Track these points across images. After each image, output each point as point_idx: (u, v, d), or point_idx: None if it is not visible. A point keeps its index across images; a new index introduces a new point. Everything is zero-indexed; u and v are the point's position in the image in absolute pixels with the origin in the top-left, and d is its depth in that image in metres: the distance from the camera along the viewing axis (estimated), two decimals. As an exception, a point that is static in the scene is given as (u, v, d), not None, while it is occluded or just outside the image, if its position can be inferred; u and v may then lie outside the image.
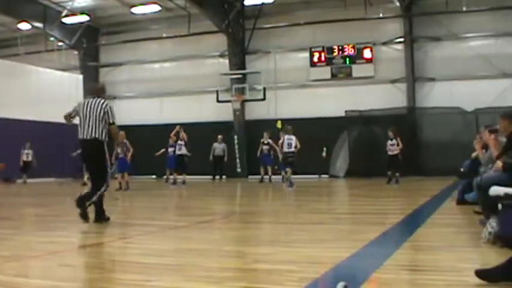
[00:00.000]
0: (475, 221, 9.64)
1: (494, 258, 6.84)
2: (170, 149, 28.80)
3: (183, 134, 28.37)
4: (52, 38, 39.99)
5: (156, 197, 21.84)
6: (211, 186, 28.01)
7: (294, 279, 5.83)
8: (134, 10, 36.83)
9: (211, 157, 32.49)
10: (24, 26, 38.74)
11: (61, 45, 40.47)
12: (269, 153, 30.64)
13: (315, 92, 36.39)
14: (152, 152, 30.45)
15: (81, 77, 40.92)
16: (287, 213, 14.19)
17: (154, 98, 40.45)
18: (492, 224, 7.64)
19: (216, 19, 36.39)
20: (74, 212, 11.21)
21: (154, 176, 36.98)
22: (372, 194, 20.88)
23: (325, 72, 36.03)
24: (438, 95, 33.57)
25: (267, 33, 37.20)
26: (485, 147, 11.81)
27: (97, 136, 11.38)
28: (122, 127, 36.38)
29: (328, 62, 35.96)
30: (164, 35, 39.49)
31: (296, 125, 33.77)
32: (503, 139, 9.61)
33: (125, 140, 24.07)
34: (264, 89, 33.59)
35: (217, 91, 34.95)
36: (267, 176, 30.53)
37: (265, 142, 30.87)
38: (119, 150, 24.04)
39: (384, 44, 35.35)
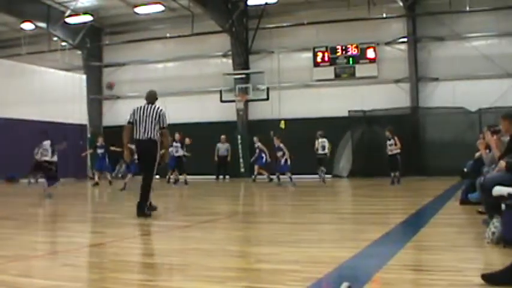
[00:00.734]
0: (478, 221, 9.63)
1: (497, 258, 6.86)
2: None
3: (178, 136, 28.51)
4: (55, 38, 40.01)
5: (159, 197, 21.85)
6: (215, 186, 27.99)
7: (297, 279, 5.83)
8: (138, 10, 36.82)
9: (216, 158, 32.47)
10: (27, 26, 38.76)
11: (64, 45, 40.47)
12: (260, 155, 30.59)
13: (318, 92, 36.36)
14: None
15: (84, 77, 40.96)
16: (290, 213, 14.19)
17: (158, 98, 40.35)
18: (495, 224, 7.64)
19: (219, 19, 36.38)
20: (76, 212, 11.19)
21: (157, 176, 36.90)
22: (375, 194, 20.87)
23: (329, 72, 35.98)
24: (441, 95, 33.53)
25: (270, 33, 37.16)
26: (488, 147, 11.79)
27: (152, 137, 13.01)
28: (125, 127, 36.48)
29: (332, 62, 35.92)
30: (168, 35, 39.48)
31: (299, 125, 33.99)
32: (506, 139, 9.60)
33: None
34: (268, 89, 33.59)
35: (220, 91, 34.96)
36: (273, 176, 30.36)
37: (256, 146, 30.95)
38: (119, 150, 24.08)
39: (388, 44, 35.30)
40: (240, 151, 36.19)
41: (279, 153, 27.87)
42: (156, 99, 14.16)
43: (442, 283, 5.58)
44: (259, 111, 36.89)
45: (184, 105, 38.82)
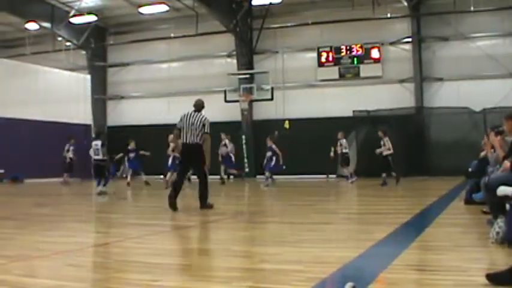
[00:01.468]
0: (483, 221, 9.61)
1: (501, 258, 6.85)
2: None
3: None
4: (60, 38, 40.06)
5: (164, 197, 21.87)
6: (219, 186, 27.97)
7: (301, 279, 5.82)
8: (142, 10, 36.86)
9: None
10: (32, 26, 38.82)
11: (69, 45, 40.52)
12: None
13: (322, 92, 36.38)
14: (159, 152, 30.32)
15: (88, 77, 41.01)
16: (294, 213, 14.17)
17: (162, 98, 40.45)
18: (500, 224, 7.63)
19: (224, 19, 36.42)
20: (79, 212, 11.20)
21: (162, 176, 36.91)
22: (379, 194, 20.84)
23: (333, 72, 35.99)
24: (446, 95, 33.52)
25: (274, 33, 37.17)
26: (493, 147, 11.79)
27: (197, 141, 14.46)
28: (129, 127, 36.69)
29: (336, 62, 35.94)
30: (172, 35, 39.49)
31: (304, 125, 34.00)
32: (510, 139, 9.59)
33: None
34: (272, 88, 33.60)
35: (225, 91, 34.98)
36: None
37: (223, 143, 31.09)
38: (175, 151, 24.55)
39: (392, 43, 35.31)
40: (245, 151, 36.18)
41: (269, 154, 28.09)
42: (203, 107, 15.38)
43: (446, 283, 5.57)
44: (264, 111, 36.91)
45: (189, 105, 37.95)
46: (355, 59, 35.49)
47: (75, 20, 38.25)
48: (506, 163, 8.74)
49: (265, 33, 36.95)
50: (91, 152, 21.73)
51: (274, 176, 29.16)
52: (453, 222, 10.83)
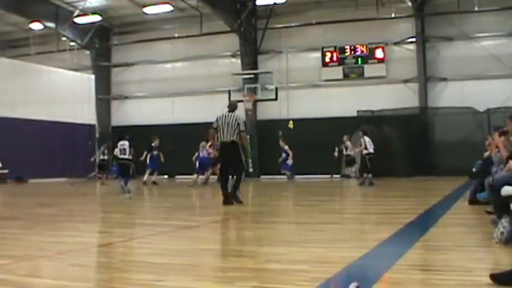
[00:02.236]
0: (487, 221, 9.59)
1: (506, 258, 6.84)
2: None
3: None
4: (64, 38, 40.12)
5: (168, 197, 21.89)
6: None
7: (305, 279, 5.82)
8: (146, 10, 36.90)
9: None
10: (36, 26, 38.89)
11: (73, 45, 40.58)
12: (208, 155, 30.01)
13: (326, 92, 36.38)
14: (162, 152, 30.24)
15: (93, 77, 41.05)
16: (299, 213, 14.19)
17: (166, 98, 40.48)
18: (504, 224, 7.62)
19: (228, 19, 36.44)
20: (83, 212, 11.21)
21: (166, 176, 36.99)
22: (383, 194, 20.84)
23: (337, 72, 36.01)
24: (450, 95, 33.50)
25: (279, 33, 37.19)
26: (497, 147, 11.78)
27: (234, 139, 15.68)
28: (133, 127, 36.69)
29: (340, 62, 35.96)
30: (176, 35, 39.52)
31: (308, 125, 34.00)
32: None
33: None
34: (276, 88, 33.58)
35: (229, 91, 34.94)
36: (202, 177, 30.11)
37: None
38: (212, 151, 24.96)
39: (396, 43, 35.30)
40: (249, 151, 36.15)
41: (284, 155, 28.60)
42: (236, 108, 16.83)
43: (450, 283, 5.57)
44: (268, 111, 36.92)
45: (193, 105, 38.88)
46: (359, 59, 35.50)
47: (80, 20, 38.31)
48: (511, 163, 8.74)
49: (270, 33, 36.96)
50: (116, 152, 22.06)
51: (280, 176, 29.42)
52: (457, 222, 10.83)
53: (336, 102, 35.42)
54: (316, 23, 35.84)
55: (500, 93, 31.15)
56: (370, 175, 24.98)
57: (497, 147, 11.84)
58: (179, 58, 40.53)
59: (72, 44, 40.54)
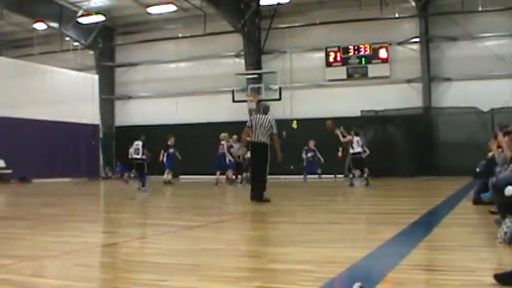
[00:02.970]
0: (491, 221, 9.59)
1: (509, 258, 6.84)
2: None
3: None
4: (68, 38, 40.19)
5: (173, 197, 21.89)
6: (228, 185, 27.95)
7: (309, 279, 5.82)
8: (150, 10, 36.95)
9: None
10: (40, 26, 38.96)
11: (77, 45, 40.64)
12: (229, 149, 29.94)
13: (330, 92, 36.39)
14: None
15: (96, 77, 41.09)
16: (303, 213, 14.17)
17: (170, 98, 40.51)
18: (508, 224, 7.61)
19: (232, 19, 36.45)
20: (87, 212, 11.21)
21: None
22: (387, 194, 20.85)
23: (341, 72, 36.01)
24: (454, 95, 33.49)
25: (282, 33, 37.20)
26: (501, 147, 11.77)
27: (264, 140, 16.37)
28: (137, 127, 36.74)
29: (344, 62, 35.96)
30: (180, 35, 39.57)
31: (311, 125, 33.97)
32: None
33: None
34: (280, 88, 33.63)
35: (233, 91, 35.02)
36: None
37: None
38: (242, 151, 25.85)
39: (400, 43, 35.29)
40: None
41: (310, 154, 29.32)
42: (269, 110, 17.47)
43: (454, 283, 5.56)
44: (272, 111, 36.60)
45: (197, 105, 38.93)
46: (363, 59, 35.49)
47: (83, 20, 38.36)
48: (515, 163, 8.74)
49: (273, 33, 36.96)
50: (131, 152, 22.58)
51: (283, 176, 29.38)
52: (461, 222, 10.81)
53: (340, 102, 35.41)
54: (320, 23, 35.86)
55: (504, 93, 31.12)
56: (351, 175, 25.22)
57: (500, 147, 11.84)
58: (183, 58, 40.57)
59: (76, 44, 40.61)
